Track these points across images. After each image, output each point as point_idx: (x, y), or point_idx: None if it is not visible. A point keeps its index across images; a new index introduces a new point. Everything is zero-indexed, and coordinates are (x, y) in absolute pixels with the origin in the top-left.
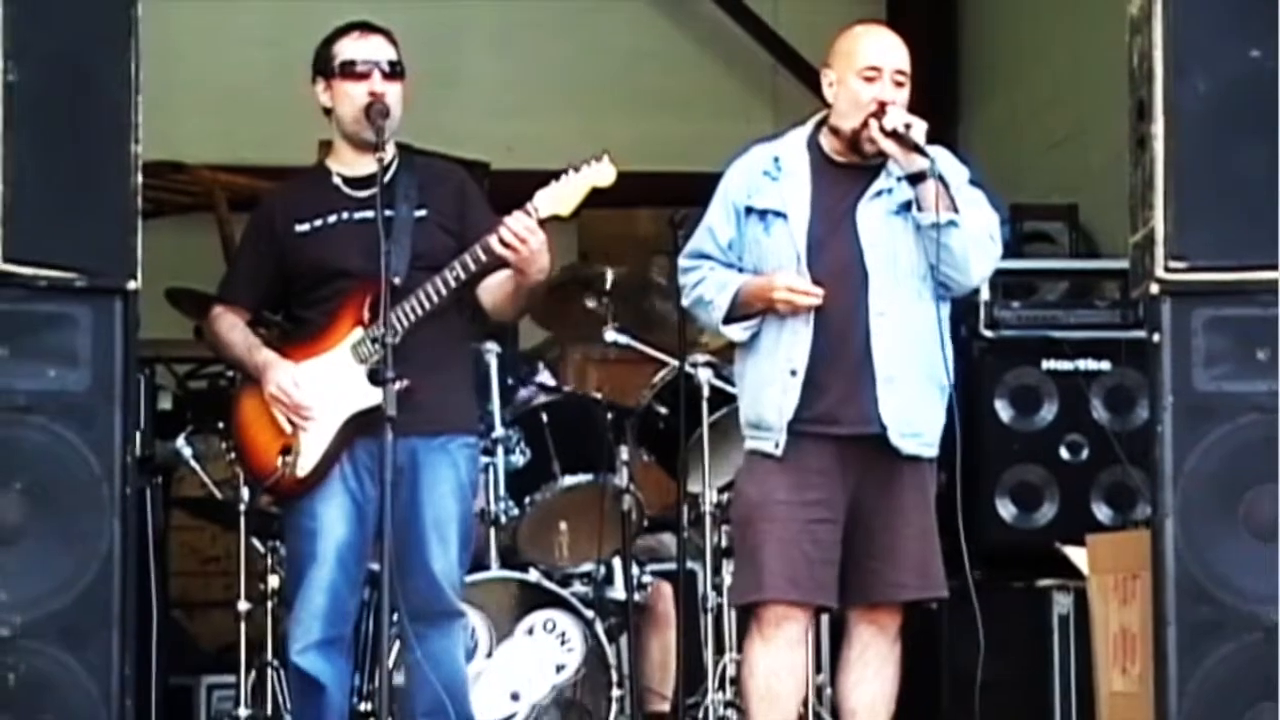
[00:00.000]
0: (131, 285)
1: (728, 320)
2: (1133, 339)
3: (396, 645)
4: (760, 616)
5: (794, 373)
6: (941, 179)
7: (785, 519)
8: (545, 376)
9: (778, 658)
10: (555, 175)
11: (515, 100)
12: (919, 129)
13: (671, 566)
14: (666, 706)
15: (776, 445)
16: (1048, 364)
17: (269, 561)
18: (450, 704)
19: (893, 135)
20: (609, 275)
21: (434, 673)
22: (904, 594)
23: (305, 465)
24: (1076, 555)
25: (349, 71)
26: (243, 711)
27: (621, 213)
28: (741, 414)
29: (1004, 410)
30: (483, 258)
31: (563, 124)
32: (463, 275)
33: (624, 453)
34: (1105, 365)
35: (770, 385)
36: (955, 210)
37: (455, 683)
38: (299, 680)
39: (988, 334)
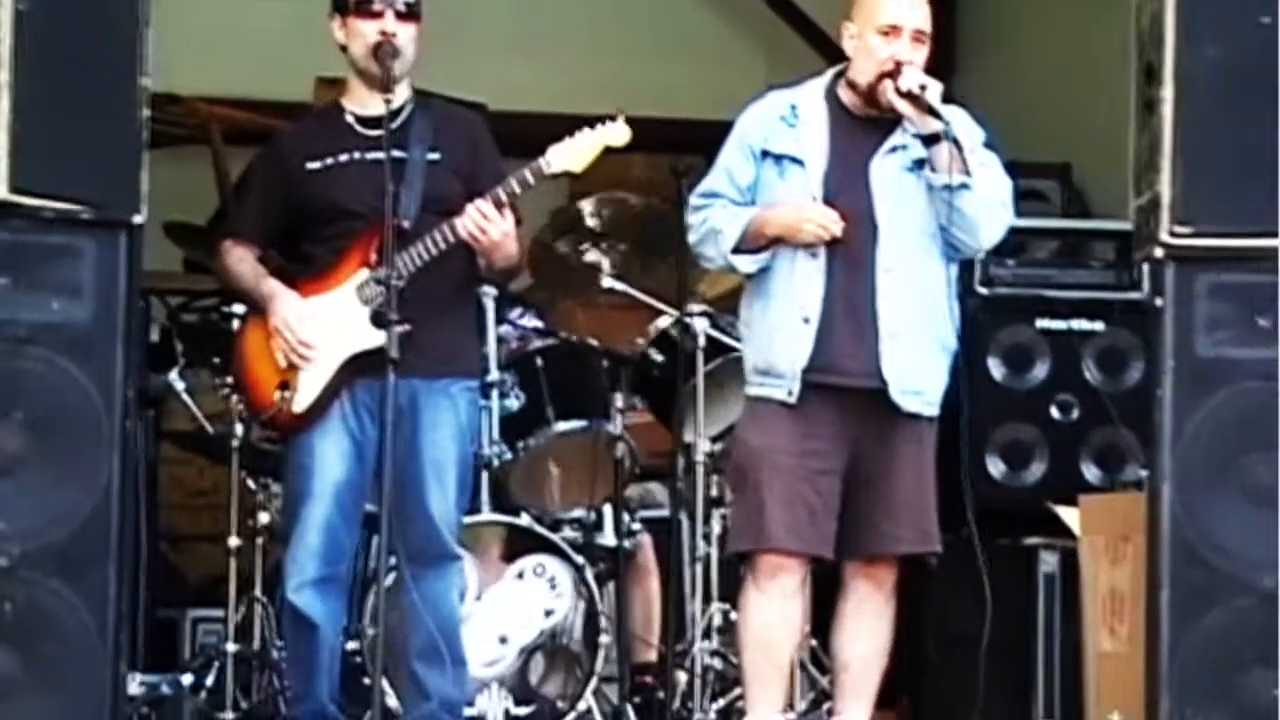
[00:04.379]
0: (137, 219)
1: (736, 250)
2: (1127, 300)
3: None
4: (756, 567)
5: (806, 320)
6: (955, 142)
7: (788, 468)
8: (531, 319)
9: (774, 608)
10: (539, 119)
11: (508, 42)
12: (934, 90)
13: (658, 514)
14: (654, 655)
15: (790, 394)
16: (1041, 323)
17: (259, 498)
18: (445, 646)
19: (907, 96)
20: (587, 207)
21: (429, 614)
22: (900, 547)
23: (303, 401)
24: (1068, 515)
25: (363, 9)
26: (230, 646)
27: (613, 158)
28: (748, 360)
29: (996, 368)
30: (450, 238)
31: (549, 67)
32: (442, 246)
33: (618, 400)
34: (1099, 326)
35: (781, 331)
36: (968, 174)
37: (450, 625)
38: (292, 618)
39: (982, 291)
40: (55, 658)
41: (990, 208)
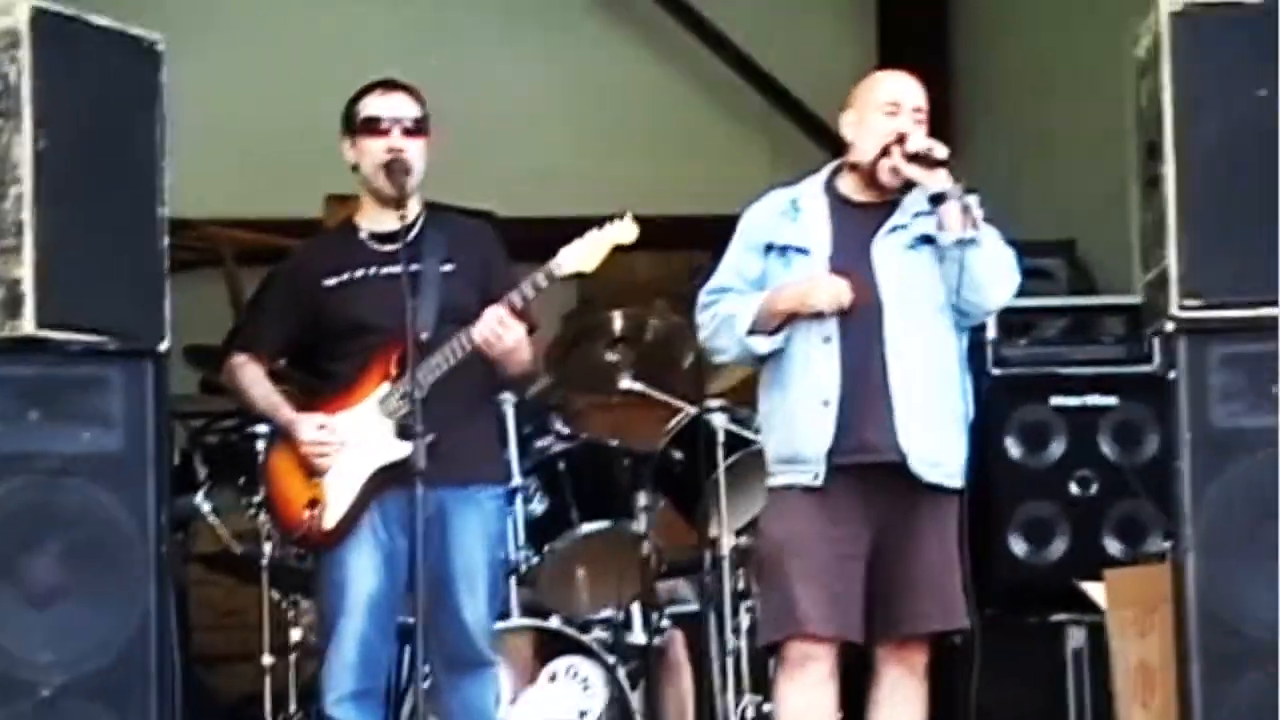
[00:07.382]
0: (162, 346)
1: (752, 333)
2: (1139, 374)
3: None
4: (786, 656)
5: (826, 403)
6: (963, 201)
7: (815, 555)
8: (561, 425)
9: (805, 697)
10: (546, 224)
11: (512, 147)
12: (941, 151)
13: (687, 609)
14: None
15: (816, 477)
16: (1056, 400)
17: (290, 614)
18: None
19: (915, 158)
20: (616, 321)
21: None
22: (927, 625)
23: (332, 518)
24: (1094, 591)
25: (370, 128)
26: None
27: (619, 258)
28: (770, 450)
29: (1014, 447)
30: (466, 346)
31: (555, 167)
32: (460, 354)
33: (642, 498)
34: (1112, 400)
35: (802, 417)
36: (976, 228)
37: None
38: None
39: (995, 371)
40: None
41: (999, 265)
